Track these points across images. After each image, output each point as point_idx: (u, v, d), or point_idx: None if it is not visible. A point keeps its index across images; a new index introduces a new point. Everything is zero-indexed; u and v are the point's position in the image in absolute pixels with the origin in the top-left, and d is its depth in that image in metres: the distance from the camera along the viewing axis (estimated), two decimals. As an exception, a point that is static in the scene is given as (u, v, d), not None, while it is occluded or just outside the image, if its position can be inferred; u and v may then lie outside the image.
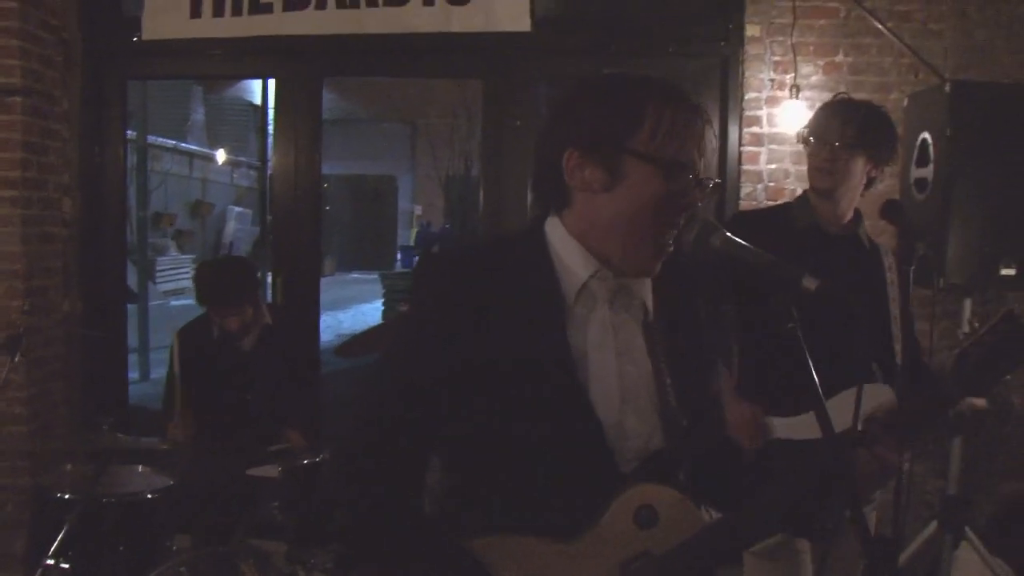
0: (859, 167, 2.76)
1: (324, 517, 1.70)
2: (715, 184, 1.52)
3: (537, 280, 1.53)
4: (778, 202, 3.85)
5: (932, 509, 4.16)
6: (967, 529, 3.77)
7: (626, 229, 1.50)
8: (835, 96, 2.92)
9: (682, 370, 1.60)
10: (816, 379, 1.36)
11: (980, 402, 2.81)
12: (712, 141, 1.52)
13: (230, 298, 3.85)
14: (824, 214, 2.84)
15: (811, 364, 1.38)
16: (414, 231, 27.42)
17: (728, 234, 1.46)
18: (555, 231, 1.56)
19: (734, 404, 2.68)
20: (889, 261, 2.89)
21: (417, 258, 25.87)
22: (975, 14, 4.43)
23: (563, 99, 1.56)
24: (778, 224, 2.84)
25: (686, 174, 1.48)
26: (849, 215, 2.86)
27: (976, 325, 1.78)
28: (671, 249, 1.51)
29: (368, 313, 15.99)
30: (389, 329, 3.69)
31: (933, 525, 3.84)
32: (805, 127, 2.87)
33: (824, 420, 1.35)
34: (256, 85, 22.60)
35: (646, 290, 1.60)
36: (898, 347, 2.70)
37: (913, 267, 2.54)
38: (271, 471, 3.36)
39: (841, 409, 2.23)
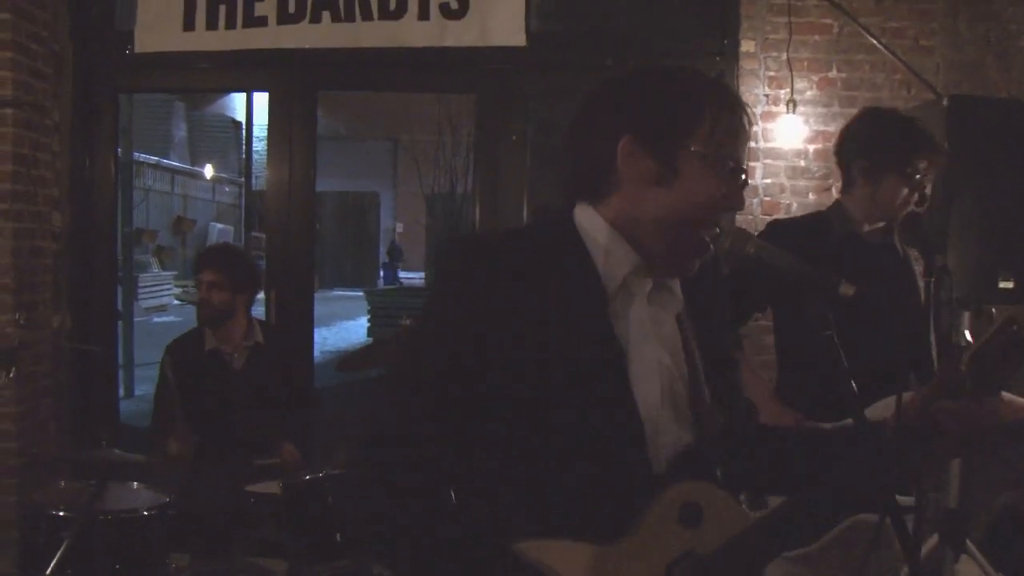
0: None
1: (360, 521, 1.59)
2: (745, 184, 1.53)
3: (575, 270, 1.49)
4: (808, 212, 3.83)
5: (931, 523, 4.17)
6: (968, 543, 3.77)
7: (673, 226, 1.48)
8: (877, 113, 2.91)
9: (714, 367, 1.58)
10: (854, 387, 1.35)
11: None
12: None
13: (214, 258, 3.93)
14: (861, 223, 2.83)
15: (848, 372, 1.36)
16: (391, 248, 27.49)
17: (762, 241, 1.46)
18: (592, 221, 1.53)
19: (775, 410, 2.64)
20: (919, 270, 2.91)
21: (397, 271, 25.93)
22: (965, 31, 4.48)
23: (619, 84, 1.53)
24: (815, 233, 2.83)
25: (739, 176, 1.48)
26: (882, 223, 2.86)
27: (969, 340, 1.80)
28: (711, 249, 1.50)
29: (352, 330, 15.90)
30: (391, 344, 3.65)
31: (933, 539, 3.83)
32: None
33: (864, 428, 1.34)
34: (239, 102, 22.59)
35: (677, 286, 1.58)
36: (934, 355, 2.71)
37: (933, 279, 2.55)
38: (271, 487, 3.31)
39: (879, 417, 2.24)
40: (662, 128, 1.47)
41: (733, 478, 1.59)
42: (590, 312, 1.48)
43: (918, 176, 2.73)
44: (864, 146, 2.82)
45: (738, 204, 1.50)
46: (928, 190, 2.76)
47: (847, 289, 1.35)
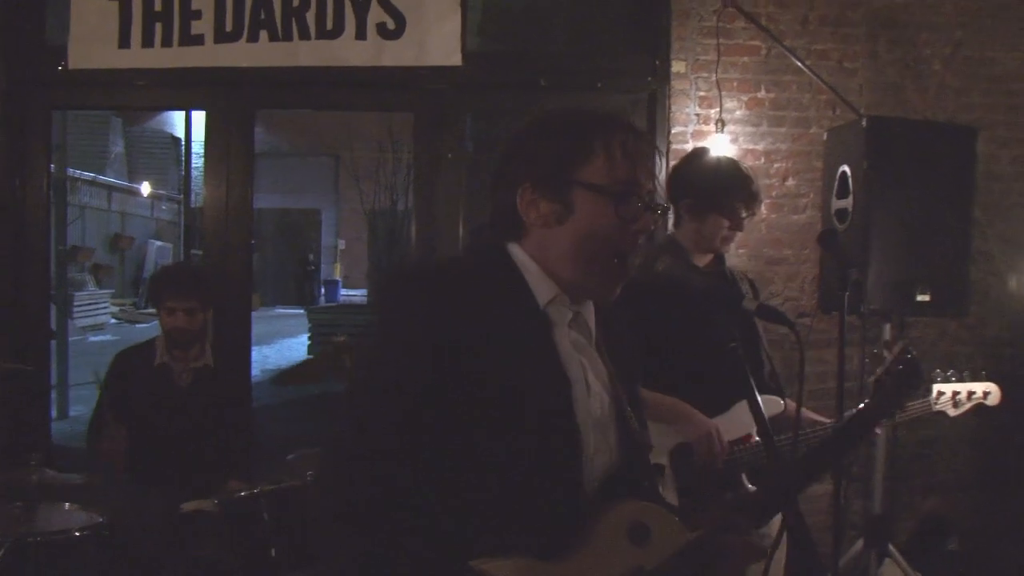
0: None
1: (321, 543, 1.58)
2: (665, 208, 1.58)
3: (516, 297, 1.56)
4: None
5: (856, 529, 4.29)
6: (890, 546, 3.90)
7: (582, 258, 1.55)
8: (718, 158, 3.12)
9: (628, 390, 1.66)
10: (758, 398, 1.42)
11: None
12: (660, 168, 1.58)
13: (187, 284, 3.88)
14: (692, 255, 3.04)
15: (752, 383, 1.44)
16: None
17: (670, 259, 1.53)
18: (518, 256, 1.60)
19: (697, 420, 2.72)
20: (746, 288, 3.12)
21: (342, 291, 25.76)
22: (885, 54, 4.65)
23: (515, 138, 1.61)
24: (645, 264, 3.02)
25: (635, 200, 1.55)
26: None
27: (885, 353, 1.93)
28: (631, 275, 1.56)
29: (294, 348, 15.77)
30: (325, 360, 3.67)
31: (858, 544, 3.96)
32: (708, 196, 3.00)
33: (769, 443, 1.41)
34: (178, 117, 22.31)
35: (591, 314, 1.65)
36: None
37: (848, 293, 2.66)
38: (207, 505, 3.30)
39: (739, 419, 2.40)
40: (552, 169, 1.54)
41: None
42: (535, 337, 1.54)
43: (739, 216, 2.95)
44: (690, 187, 3.01)
45: (644, 227, 1.56)
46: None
47: (749, 303, 1.42)
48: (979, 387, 3.16)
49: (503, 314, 1.52)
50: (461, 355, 1.46)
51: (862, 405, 1.92)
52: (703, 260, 3.02)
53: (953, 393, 3.14)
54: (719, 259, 3.06)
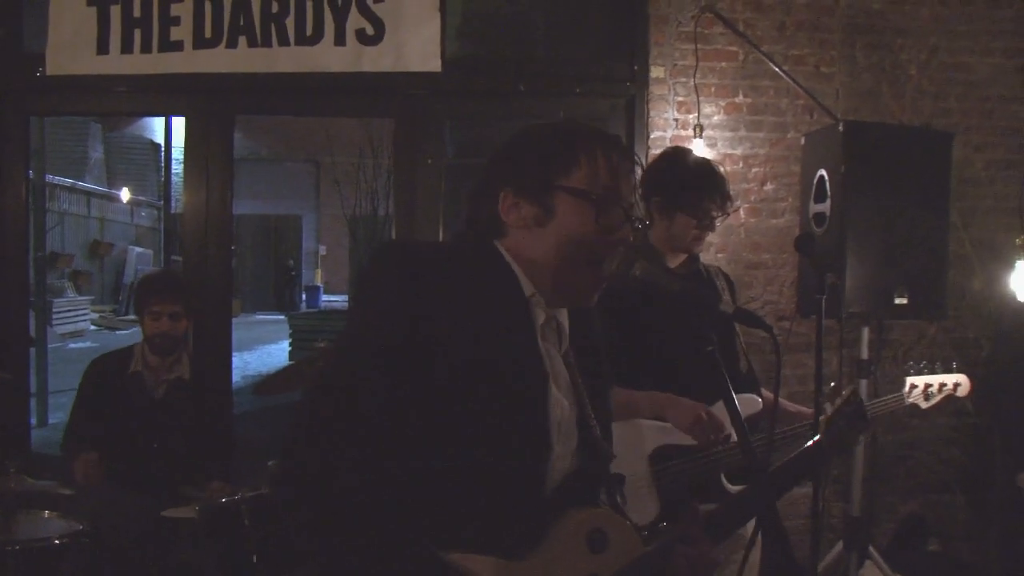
0: None
1: (288, 529, 1.55)
2: (644, 223, 1.60)
3: (503, 283, 1.58)
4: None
5: (836, 531, 4.33)
6: (870, 548, 3.93)
7: (557, 263, 1.57)
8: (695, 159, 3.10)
9: (596, 397, 1.67)
10: (736, 401, 1.44)
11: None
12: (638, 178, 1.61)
13: (173, 289, 3.91)
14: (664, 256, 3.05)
15: (729, 386, 1.46)
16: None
17: (647, 264, 1.54)
18: (503, 250, 1.62)
19: (683, 405, 2.70)
20: (721, 283, 3.13)
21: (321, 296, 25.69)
22: (862, 59, 4.70)
23: (501, 147, 1.65)
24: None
25: (616, 208, 1.57)
26: None
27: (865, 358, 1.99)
28: (606, 282, 1.58)
29: (275, 354, 15.71)
30: (306, 366, 3.66)
31: (838, 546, 3.99)
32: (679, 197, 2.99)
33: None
34: (158, 123, 22.25)
35: (565, 320, 1.66)
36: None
37: (824, 296, 2.68)
38: (187, 511, 3.29)
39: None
40: (536, 173, 1.57)
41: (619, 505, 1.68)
42: (519, 323, 1.56)
43: (709, 215, 2.93)
44: (660, 185, 2.99)
45: (622, 237, 1.59)
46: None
47: (727, 307, 1.44)
48: (950, 379, 3.22)
49: (490, 299, 1.54)
50: (441, 333, 1.46)
51: (812, 441, 1.98)
52: (675, 260, 3.00)
53: (925, 385, 3.20)
54: (693, 258, 3.05)
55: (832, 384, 3.83)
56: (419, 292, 1.47)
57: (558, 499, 1.57)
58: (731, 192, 3.00)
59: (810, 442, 1.97)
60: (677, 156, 3.11)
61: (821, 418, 2.03)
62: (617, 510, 1.63)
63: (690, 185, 2.92)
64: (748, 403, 2.76)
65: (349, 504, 1.43)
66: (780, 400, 2.93)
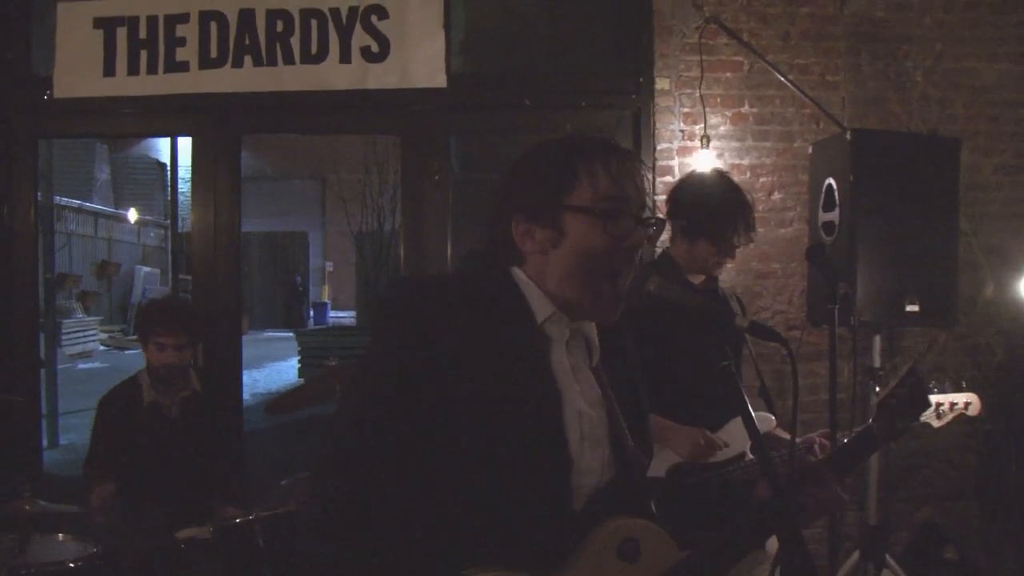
0: None
1: (315, 557, 1.62)
2: (658, 221, 1.61)
3: (513, 314, 1.59)
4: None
5: (853, 540, 4.30)
6: (887, 557, 3.91)
7: (579, 280, 1.58)
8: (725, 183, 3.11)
9: (630, 410, 1.67)
10: (753, 417, 1.43)
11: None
12: (647, 182, 1.61)
13: (178, 318, 3.84)
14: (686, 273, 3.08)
15: (745, 401, 1.45)
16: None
17: (662, 279, 1.54)
18: (519, 276, 1.64)
19: (681, 433, 2.71)
20: (735, 306, 3.16)
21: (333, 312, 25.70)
22: (867, 67, 4.70)
23: (505, 174, 1.66)
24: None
25: (623, 217, 1.57)
26: None
27: (886, 376, 1.96)
28: (627, 294, 1.58)
29: (284, 371, 15.71)
30: (317, 384, 3.66)
31: (855, 555, 3.96)
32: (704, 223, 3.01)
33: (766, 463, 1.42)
34: (163, 143, 22.27)
35: (593, 333, 1.66)
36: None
37: (837, 306, 2.68)
38: (201, 532, 3.29)
39: (734, 437, 2.42)
40: (540, 198, 1.59)
41: (663, 516, 1.67)
42: (528, 352, 1.57)
43: (731, 245, 2.97)
44: (685, 208, 3.02)
45: (636, 242, 1.59)
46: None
47: (742, 322, 1.44)
48: (961, 398, 3.18)
49: (498, 328, 1.56)
50: (452, 364, 1.49)
51: (864, 427, 1.94)
52: (697, 279, 3.05)
53: (936, 404, 3.16)
54: (712, 279, 3.09)
55: (888, 364, 3.76)
56: (428, 327, 1.51)
57: (592, 512, 1.57)
58: (753, 219, 3.02)
59: (860, 428, 1.91)
60: (706, 182, 3.11)
61: (874, 401, 1.94)
62: (651, 518, 1.62)
63: (716, 216, 2.95)
64: (762, 421, 2.74)
65: (378, 535, 1.49)
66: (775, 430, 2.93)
